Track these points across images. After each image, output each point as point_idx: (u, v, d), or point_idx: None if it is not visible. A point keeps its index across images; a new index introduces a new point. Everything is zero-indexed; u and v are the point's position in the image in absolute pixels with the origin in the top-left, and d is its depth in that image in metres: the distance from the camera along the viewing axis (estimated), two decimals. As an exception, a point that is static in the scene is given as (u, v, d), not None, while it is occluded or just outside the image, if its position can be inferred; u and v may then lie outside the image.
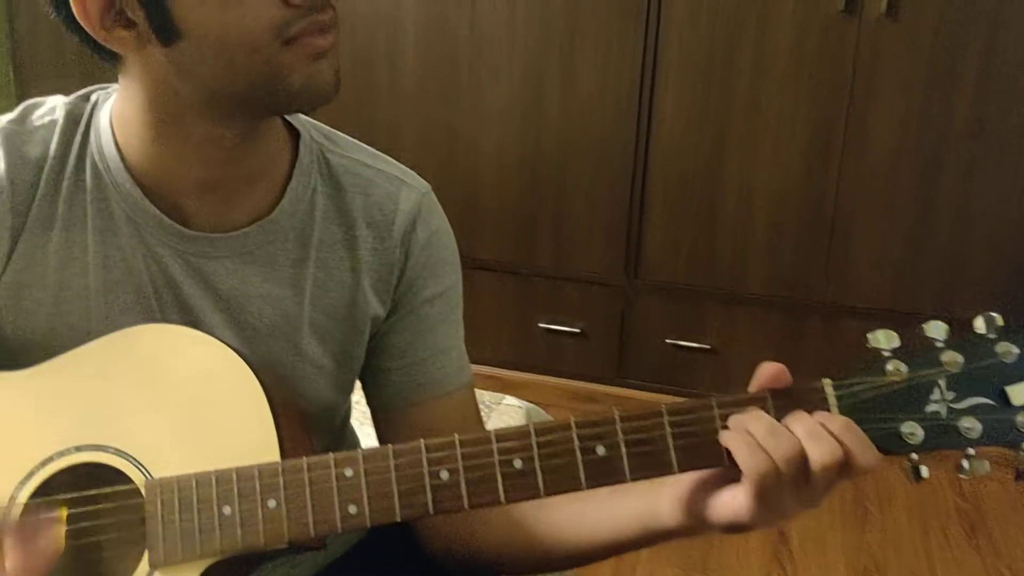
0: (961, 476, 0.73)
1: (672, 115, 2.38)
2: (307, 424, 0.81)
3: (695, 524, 0.74)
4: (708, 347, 2.49)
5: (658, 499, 0.76)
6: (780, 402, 0.71)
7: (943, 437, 0.71)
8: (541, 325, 2.59)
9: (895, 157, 2.26)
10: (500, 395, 1.53)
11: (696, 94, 2.34)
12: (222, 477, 0.72)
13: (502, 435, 0.72)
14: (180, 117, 0.76)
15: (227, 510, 0.72)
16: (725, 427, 0.70)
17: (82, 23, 0.72)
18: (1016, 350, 0.72)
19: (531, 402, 1.55)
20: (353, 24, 2.49)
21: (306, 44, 0.73)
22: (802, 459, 0.67)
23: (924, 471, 0.72)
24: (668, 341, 2.52)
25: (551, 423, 0.72)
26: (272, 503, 0.72)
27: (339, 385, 0.90)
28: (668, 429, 0.71)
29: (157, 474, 0.73)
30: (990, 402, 0.72)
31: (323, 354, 0.88)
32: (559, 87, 2.42)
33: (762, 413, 0.69)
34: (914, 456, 0.72)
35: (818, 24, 2.21)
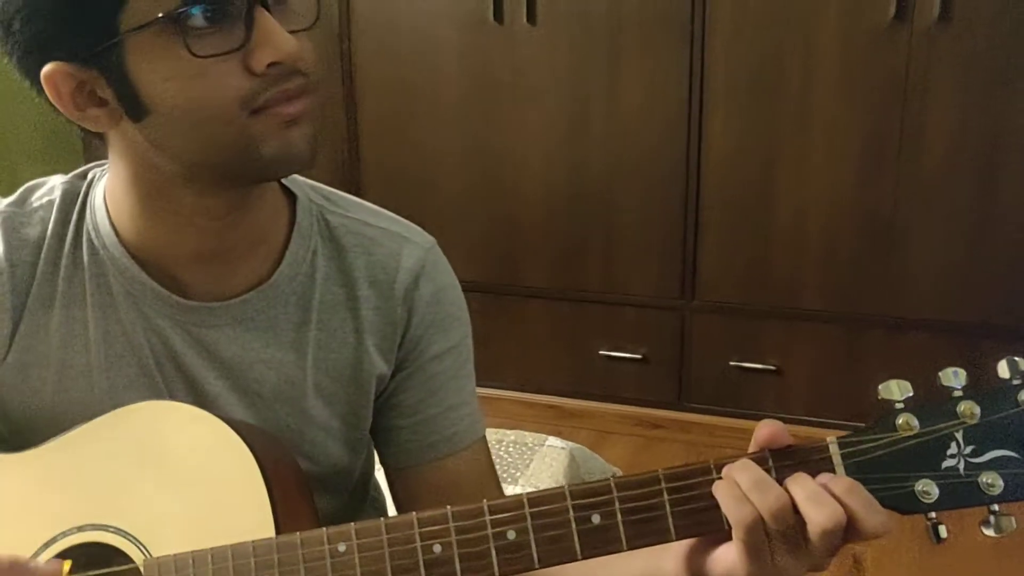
0: (987, 534, 0.69)
1: (722, 131, 2.33)
2: (308, 493, 0.80)
3: None
4: (772, 367, 2.43)
5: (662, 559, 0.74)
6: (782, 463, 0.68)
7: (962, 494, 0.67)
8: (602, 352, 2.56)
9: (952, 164, 2.17)
10: (543, 436, 1.51)
11: (745, 109, 2.30)
12: (218, 555, 0.72)
13: (495, 507, 0.70)
14: (165, 190, 0.77)
15: (223, 588, 0.72)
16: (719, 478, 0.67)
17: (56, 104, 0.73)
18: (1040, 398, 0.67)
19: (592, 429, 1.50)
20: (393, 44, 2.51)
21: (275, 113, 0.72)
22: (792, 516, 0.64)
23: (943, 531, 0.68)
24: (731, 363, 2.46)
25: (545, 492, 0.70)
26: (267, 581, 0.71)
27: (349, 445, 0.90)
28: (666, 496, 0.68)
29: (156, 552, 0.74)
30: (1013, 455, 0.67)
31: (330, 416, 0.88)
32: (604, 105, 2.39)
33: (751, 463, 0.66)
34: (932, 515, 0.68)
35: (867, 33, 2.15)
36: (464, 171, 2.52)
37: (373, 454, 0.99)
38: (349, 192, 0.93)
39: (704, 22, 2.26)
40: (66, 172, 0.87)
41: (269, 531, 0.73)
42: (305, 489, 0.80)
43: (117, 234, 0.81)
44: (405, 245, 0.90)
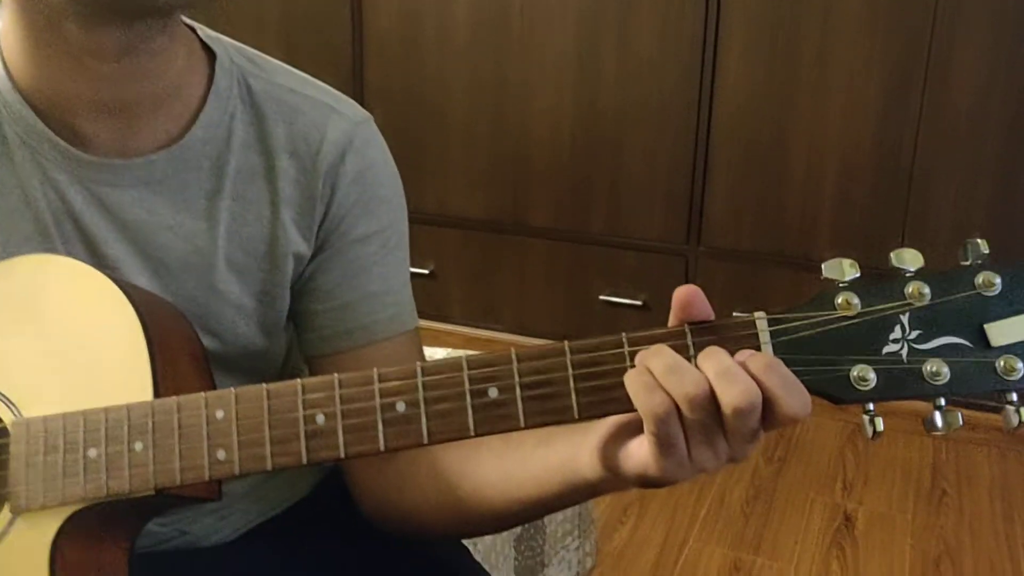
0: (933, 434, 0.61)
1: (737, 68, 2.23)
2: (204, 370, 0.74)
3: (614, 477, 0.64)
4: (777, 317, 2.33)
5: (578, 450, 0.67)
6: (702, 338, 0.60)
7: (903, 383, 0.59)
8: (602, 297, 2.48)
9: (980, 107, 2.06)
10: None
11: (762, 48, 2.20)
12: (91, 417, 0.67)
13: (386, 376, 0.63)
14: (53, 23, 0.70)
15: (93, 453, 0.66)
16: (633, 366, 0.60)
17: None
18: (999, 280, 0.60)
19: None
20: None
21: None
22: (709, 402, 0.57)
23: (880, 424, 0.61)
24: (737, 312, 2.37)
25: (441, 362, 0.63)
26: (139, 446, 0.66)
27: (263, 327, 0.84)
28: (570, 370, 0.61)
29: (28, 413, 0.68)
30: (963, 342, 0.59)
31: (242, 293, 0.82)
32: (616, 43, 2.30)
33: (664, 348, 0.59)
34: (870, 407, 0.61)
35: (893, -37, 2.03)
36: (471, 104, 2.45)
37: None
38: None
39: (722, -45, 2.16)
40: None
41: (148, 397, 0.68)
42: (200, 365, 0.74)
43: (11, 79, 0.75)
44: (332, 116, 0.83)
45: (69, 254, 0.77)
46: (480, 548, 1.14)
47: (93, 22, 0.70)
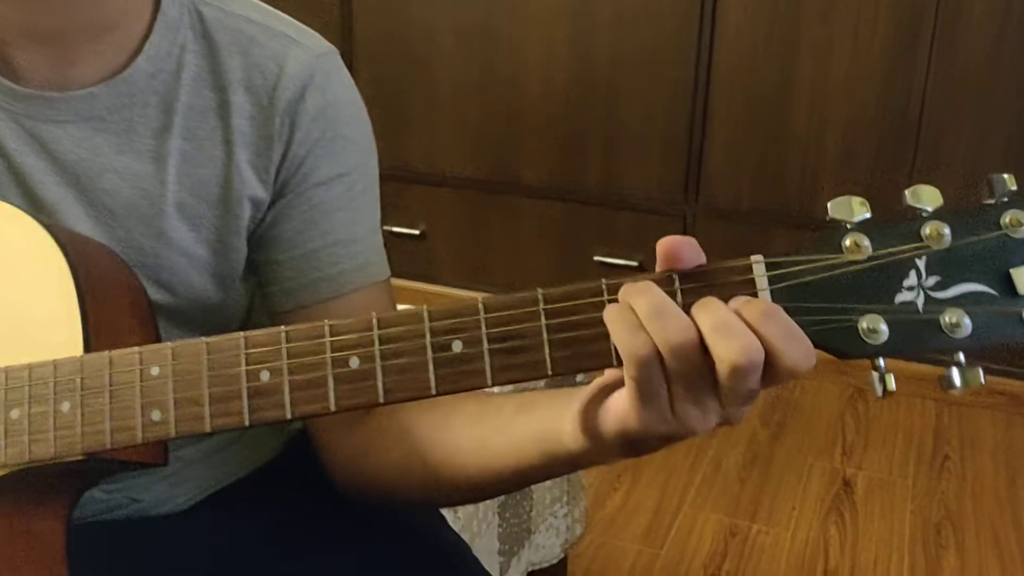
0: (950, 391, 0.55)
1: (737, 20, 2.15)
2: (147, 324, 0.67)
3: (595, 446, 0.58)
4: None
5: (561, 417, 0.61)
6: (692, 285, 0.54)
7: (918, 336, 0.53)
8: (596, 259, 2.42)
9: (993, 59, 1.98)
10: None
11: (764, -5, 2.11)
12: (13, 374, 0.60)
13: (338, 328, 0.57)
14: None
15: (15, 414, 0.60)
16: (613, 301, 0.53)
17: None
18: (1029, 220, 0.53)
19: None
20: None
21: None
22: (697, 352, 0.50)
23: (891, 382, 0.54)
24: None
25: (401, 313, 0.57)
26: (66, 406, 0.59)
27: (217, 278, 0.77)
28: (544, 320, 0.54)
29: (-53, 371, 0.62)
30: (987, 290, 0.53)
31: (194, 241, 0.75)
32: (611, -9, 2.21)
33: (651, 286, 0.52)
34: (880, 362, 0.54)
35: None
36: (458, 55, 2.36)
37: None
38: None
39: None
40: None
41: (77, 351, 0.61)
42: (143, 318, 0.67)
43: None
44: (292, 48, 0.76)
45: (1, 197, 0.70)
46: (461, 515, 1.08)
47: None
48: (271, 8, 0.80)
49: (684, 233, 2.29)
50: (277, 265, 0.77)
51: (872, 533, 1.75)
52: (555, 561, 1.36)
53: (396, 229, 2.47)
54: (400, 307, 0.83)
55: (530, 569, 1.31)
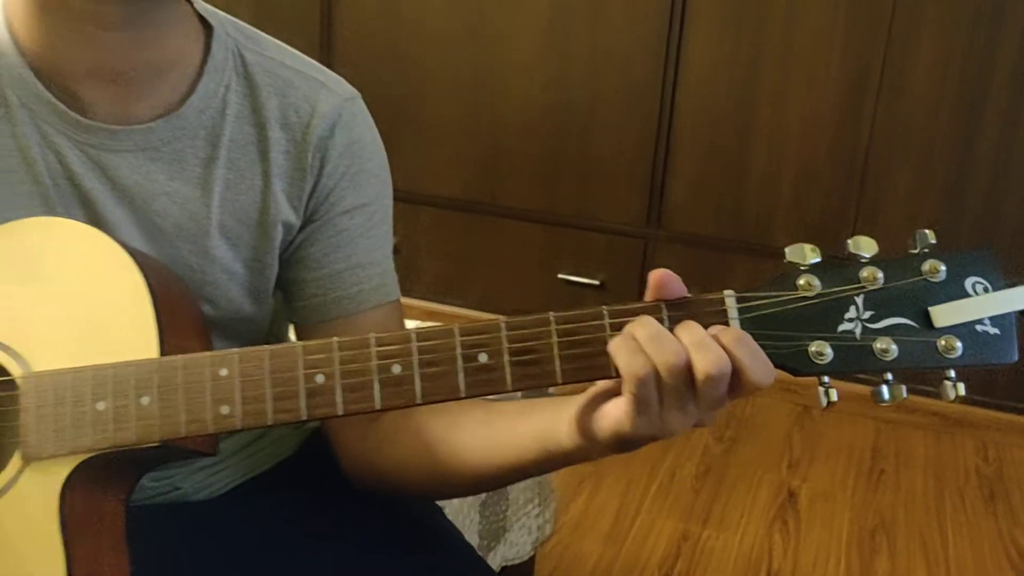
0: (880, 404, 0.68)
1: (701, 59, 2.29)
2: (203, 330, 0.78)
3: (589, 444, 0.70)
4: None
5: (558, 420, 0.72)
6: (676, 313, 0.66)
7: (856, 358, 0.66)
8: (560, 276, 2.54)
9: (933, 105, 2.15)
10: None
11: (726, 36, 2.26)
12: (98, 373, 0.70)
13: (382, 340, 0.68)
14: None
15: (100, 406, 0.70)
16: (615, 335, 0.66)
17: None
18: (944, 268, 0.66)
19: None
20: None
21: None
22: (686, 369, 0.62)
23: (834, 395, 0.67)
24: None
25: (434, 328, 0.68)
26: (145, 400, 0.69)
27: (252, 294, 0.88)
28: (555, 339, 0.66)
29: (37, 368, 0.72)
30: (910, 323, 0.66)
31: (233, 259, 0.85)
32: (587, 29, 2.35)
33: (650, 319, 0.64)
34: (826, 379, 0.67)
35: (854, -38, 2.10)
36: (447, 90, 2.48)
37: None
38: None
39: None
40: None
41: (151, 353, 0.71)
42: (199, 326, 0.78)
43: (15, 43, 0.78)
44: (322, 91, 0.87)
45: (67, 217, 0.80)
46: (448, 511, 1.19)
47: None
48: (301, 54, 0.91)
49: (645, 256, 2.44)
50: (304, 283, 0.88)
51: (813, 539, 1.90)
52: (526, 559, 1.47)
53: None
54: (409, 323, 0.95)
55: (504, 564, 1.42)
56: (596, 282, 2.51)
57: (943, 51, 2.10)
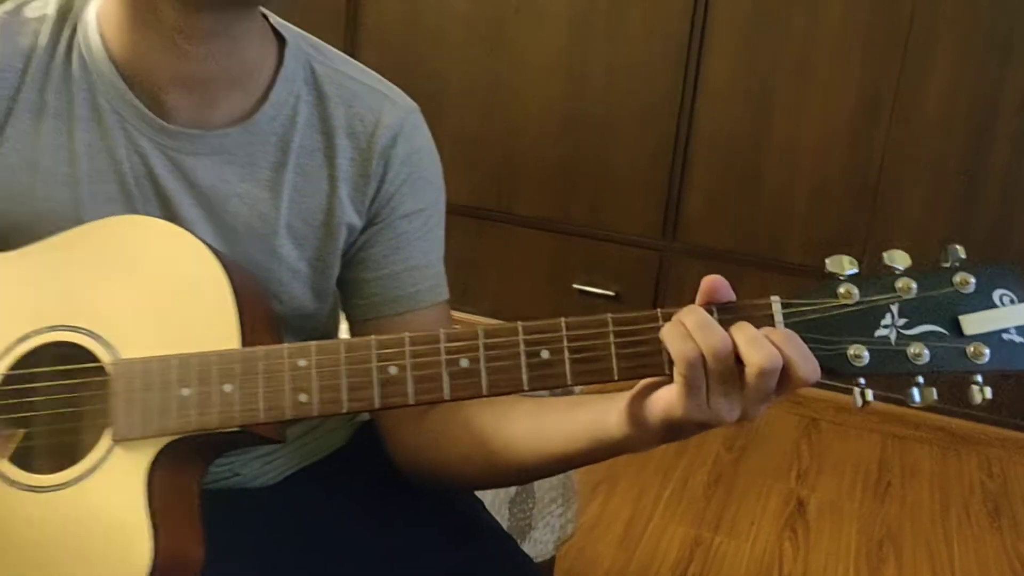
0: (911, 406, 0.73)
1: (719, 74, 2.35)
2: (276, 324, 0.83)
3: (639, 433, 0.75)
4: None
5: (607, 412, 0.78)
6: (726, 316, 0.71)
7: (890, 362, 0.71)
8: (575, 286, 2.59)
9: (945, 126, 2.20)
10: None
11: (745, 54, 2.32)
12: (184, 361, 0.75)
13: (451, 335, 0.73)
14: (151, 4, 0.80)
15: (185, 392, 0.75)
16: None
17: None
18: (973, 280, 0.71)
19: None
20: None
21: None
22: (732, 357, 0.68)
23: (869, 395, 0.72)
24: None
25: (499, 326, 0.73)
26: (227, 387, 0.75)
27: (315, 291, 0.93)
28: (612, 339, 0.72)
29: (124, 356, 0.77)
30: (941, 330, 0.71)
31: (299, 258, 0.91)
32: (605, 43, 2.41)
33: (698, 308, 0.70)
34: (861, 380, 0.72)
35: (872, -14, 2.17)
36: (465, 99, 2.53)
37: (338, 314, 1.02)
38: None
39: (710, -39, 2.27)
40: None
41: (232, 344, 0.76)
42: (272, 320, 0.83)
43: (107, 51, 0.84)
44: (386, 103, 0.93)
45: (148, 214, 0.85)
46: (481, 507, 1.24)
47: (189, 8, 0.79)
48: (366, 67, 0.97)
49: (660, 268, 2.49)
50: (364, 283, 0.93)
51: (822, 547, 1.94)
52: (548, 557, 1.52)
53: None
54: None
55: (527, 562, 1.46)
56: (611, 293, 2.56)
57: (956, 74, 2.16)
